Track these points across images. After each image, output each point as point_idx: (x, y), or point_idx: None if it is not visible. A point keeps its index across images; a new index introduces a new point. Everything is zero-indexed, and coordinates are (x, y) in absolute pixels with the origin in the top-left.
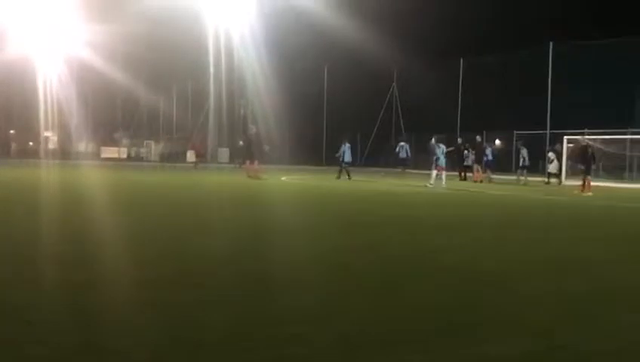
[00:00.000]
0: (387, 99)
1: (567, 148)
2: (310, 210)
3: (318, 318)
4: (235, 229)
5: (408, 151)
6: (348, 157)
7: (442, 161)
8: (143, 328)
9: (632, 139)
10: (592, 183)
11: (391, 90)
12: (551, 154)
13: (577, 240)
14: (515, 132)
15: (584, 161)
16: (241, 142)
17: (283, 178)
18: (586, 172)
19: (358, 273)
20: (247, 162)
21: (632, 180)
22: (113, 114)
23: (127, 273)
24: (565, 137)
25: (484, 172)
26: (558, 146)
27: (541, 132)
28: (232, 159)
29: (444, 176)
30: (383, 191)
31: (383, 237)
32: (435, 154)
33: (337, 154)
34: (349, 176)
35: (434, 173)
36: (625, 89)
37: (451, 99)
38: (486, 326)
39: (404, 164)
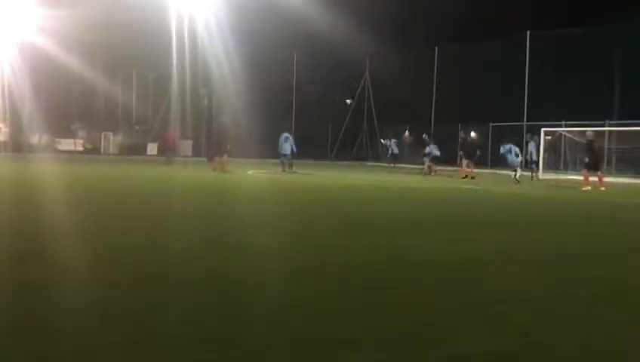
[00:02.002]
0: (359, 89)
1: (545, 140)
2: (275, 207)
3: (274, 318)
4: (193, 228)
5: (396, 147)
6: (285, 150)
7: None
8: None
9: (610, 132)
10: (570, 177)
11: (363, 80)
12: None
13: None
14: (490, 124)
15: (591, 156)
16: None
17: (249, 172)
18: (592, 167)
19: (322, 272)
20: (223, 156)
21: (610, 173)
22: (69, 104)
23: (73, 275)
24: (543, 129)
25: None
26: (536, 138)
27: (518, 123)
28: (195, 152)
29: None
30: (356, 186)
31: (354, 235)
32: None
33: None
34: (285, 168)
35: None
36: (603, 79)
37: (425, 90)
38: (456, 325)
39: (395, 160)
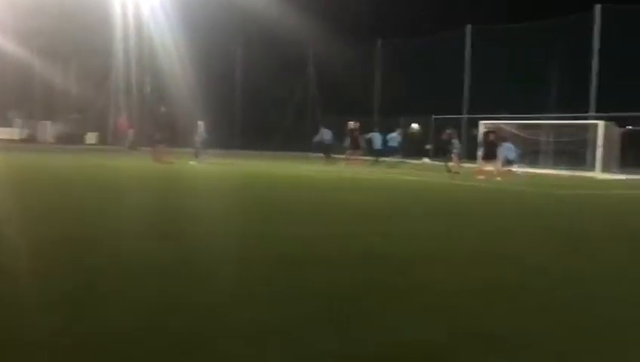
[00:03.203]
0: (304, 80)
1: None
2: (217, 197)
3: (214, 309)
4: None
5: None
6: (198, 137)
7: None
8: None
9: (546, 124)
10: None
11: (307, 71)
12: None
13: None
14: (433, 116)
15: (485, 148)
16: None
17: (191, 162)
18: (487, 158)
19: (259, 261)
20: (160, 145)
21: (546, 165)
22: (5, 91)
23: None
24: (481, 122)
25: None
26: (474, 131)
27: (458, 116)
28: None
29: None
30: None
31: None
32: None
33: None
34: (196, 157)
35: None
36: (541, 73)
37: (369, 81)
38: (398, 312)
39: (378, 154)
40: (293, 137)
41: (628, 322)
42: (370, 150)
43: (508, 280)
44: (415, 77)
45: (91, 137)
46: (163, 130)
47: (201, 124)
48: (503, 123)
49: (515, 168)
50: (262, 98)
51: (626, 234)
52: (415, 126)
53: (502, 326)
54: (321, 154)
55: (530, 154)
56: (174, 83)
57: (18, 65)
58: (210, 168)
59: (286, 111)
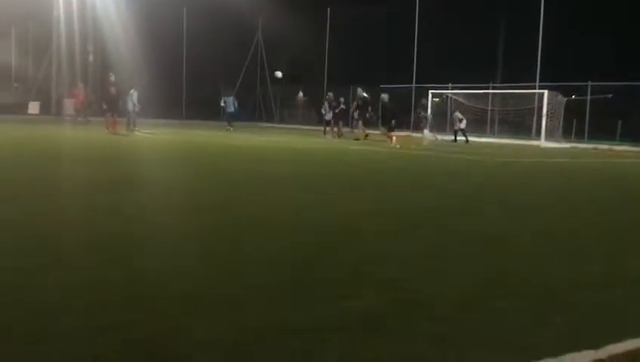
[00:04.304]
0: (252, 49)
1: (432, 102)
2: (160, 166)
3: (162, 280)
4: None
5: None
6: (130, 106)
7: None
8: None
9: (493, 94)
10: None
11: (256, 40)
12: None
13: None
14: (380, 86)
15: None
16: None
17: (137, 132)
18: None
19: (206, 233)
20: (108, 115)
21: (493, 134)
22: None
23: None
24: (430, 91)
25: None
26: (423, 101)
27: (406, 86)
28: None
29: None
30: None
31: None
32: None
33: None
34: (127, 126)
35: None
36: (489, 42)
37: (319, 51)
38: (341, 281)
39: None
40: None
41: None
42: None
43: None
44: (364, 46)
45: (34, 107)
46: (110, 99)
47: (133, 92)
48: (451, 93)
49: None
50: (208, 68)
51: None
52: (385, 96)
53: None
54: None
55: (476, 123)
56: (118, 51)
57: None
58: (148, 138)
59: (233, 82)
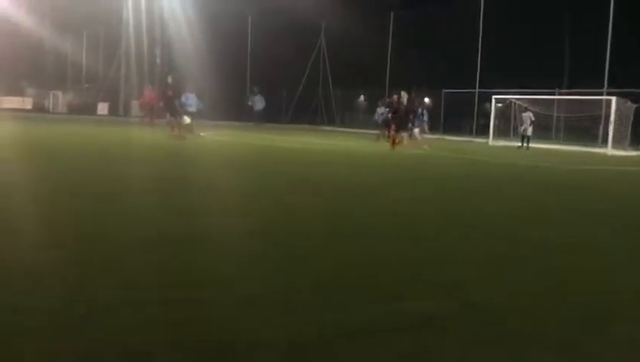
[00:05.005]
0: (315, 52)
1: (496, 108)
2: (228, 171)
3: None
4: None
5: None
6: (192, 108)
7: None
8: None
9: (559, 100)
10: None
11: (319, 43)
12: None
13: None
14: (443, 90)
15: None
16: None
17: (202, 134)
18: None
19: (272, 235)
20: (168, 116)
21: (559, 141)
22: (17, 60)
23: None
24: (494, 97)
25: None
26: (487, 106)
27: (470, 91)
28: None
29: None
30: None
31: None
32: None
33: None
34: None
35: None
36: (555, 46)
37: (381, 54)
38: (399, 283)
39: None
40: (303, 109)
41: None
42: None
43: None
44: (427, 50)
45: (103, 107)
46: (169, 101)
47: (193, 96)
48: (515, 98)
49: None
50: (273, 70)
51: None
52: (427, 100)
53: None
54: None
55: (541, 129)
56: (183, 54)
57: (30, 35)
58: (208, 141)
59: (297, 84)
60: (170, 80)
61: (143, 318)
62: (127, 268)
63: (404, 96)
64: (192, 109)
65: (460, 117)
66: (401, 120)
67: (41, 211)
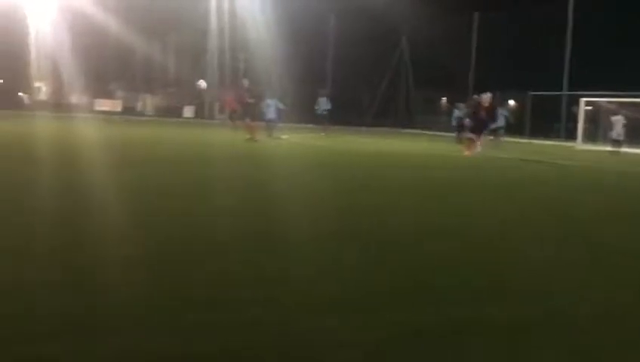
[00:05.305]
0: (397, 54)
1: (585, 110)
2: (317, 173)
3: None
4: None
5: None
6: (271, 114)
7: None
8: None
9: None
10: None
11: (401, 45)
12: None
13: None
14: (529, 93)
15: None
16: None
17: (284, 136)
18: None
19: (354, 235)
20: (247, 120)
21: None
22: (107, 64)
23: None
24: (582, 99)
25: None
26: (575, 109)
27: (557, 93)
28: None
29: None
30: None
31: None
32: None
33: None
34: (270, 134)
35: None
36: None
37: (464, 55)
38: (480, 288)
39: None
40: (383, 112)
41: None
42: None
43: None
44: (512, 51)
45: (188, 110)
46: (245, 105)
47: (275, 100)
48: (606, 100)
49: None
50: (353, 72)
51: None
52: (512, 103)
53: None
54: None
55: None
56: (266, 58)
57: (119, 40)
58: (286, 143)
59: (378, 86)
60: (245, 83)
61: (233, 317)
62: (214, 268)
63: (486, 98)
64: (272, 116)
65: (547, 120)
66: (480, 123)
67: (132, 210)
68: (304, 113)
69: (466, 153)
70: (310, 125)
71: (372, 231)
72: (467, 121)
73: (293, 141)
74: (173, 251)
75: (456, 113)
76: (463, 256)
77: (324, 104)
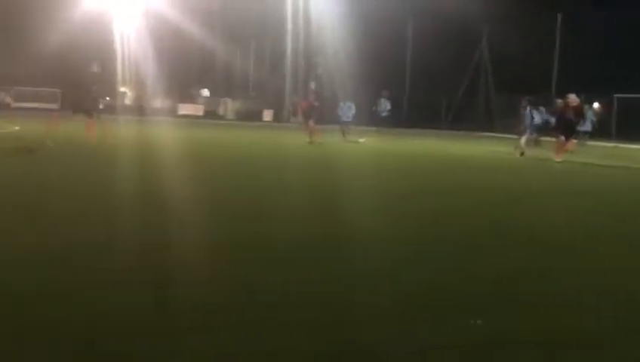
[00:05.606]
0: (477, 56)
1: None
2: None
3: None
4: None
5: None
6: (346, 117)
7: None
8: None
9: None
10: None
11: (480, 46)
12: None
13: None
14: (615, 95)
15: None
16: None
17: (361, 140)
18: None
19: (435, 237)
20: (310, 122)
21: None
22: (190, 70)
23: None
24: None
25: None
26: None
27: None
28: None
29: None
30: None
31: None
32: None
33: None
34: (344, 135)
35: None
36: None
37: (547, 58)
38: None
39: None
40: (462, 116)
41: None
42: None
43: None
44: (597, 52)
45: (268, 114)
46: (311, 107)
47: (349, 104)
48: None
49: None
50: (432, 74)
51: None
52: (596, 105)
53: None
54: None
55: None
56: (343, 61)
57: (201, 45)
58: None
59: (456, 89)
60: (313, 85)
61: (304, 318)
62: (295, 267)
63: (574, 98)
64: (346, 119)
65: (634, 123)
66: (568, 125)
67: (211, 211)
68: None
69: (557, 158)
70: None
71: (457, 234)
72: (554, 123)
73: (370, 145)
74: (252, 250)
75: (536, 116)
76: (543, 264)
77: (384, 105)
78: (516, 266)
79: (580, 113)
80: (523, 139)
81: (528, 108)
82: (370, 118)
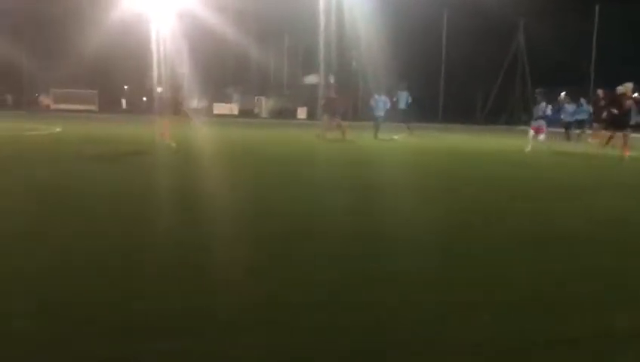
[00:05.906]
0: (513, 49)
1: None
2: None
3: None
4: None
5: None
6: (379, 111)
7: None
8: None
9: None
10: None
11: (517, 38)
12: None
13: None
14: None
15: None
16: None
17: (395, 137)
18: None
19: (474, 236)
20: (324, 117)
21: None
22: (224, 70)
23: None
24: None
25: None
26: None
27: None
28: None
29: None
30: None
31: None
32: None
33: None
34: (376, 132)
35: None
36: None
37: (584, 50)
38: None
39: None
40: (499, 110)
41: None
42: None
43: None
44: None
45: (302, 112)
46: (330, 102)
47: (384, 97)
48: None
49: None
50: (466, 68)
51: None
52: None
53: None
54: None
55: None
56: (376, 57)
57: (235, 44)
58: (393, 143)
59: (492, 84)
60: (331, 79)
61: (329, 319)
62: (345, 264)
63: (630, 87)
64: (379, 113)
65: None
66: (623, 116)
67: (251, 211)
68: (415, 111)
69: (626, 153)
70: (427, 124)
71: (503, 232)
72: (606, 115)
73: (403, 141)
74: (285, 249)
75: (568, 108)
76: (591, 263)
77: (404, 99)
78: (582, 265)
79: (630, 106)
80: (542, 136)
81: (543, 103)
82: (401, 114)
